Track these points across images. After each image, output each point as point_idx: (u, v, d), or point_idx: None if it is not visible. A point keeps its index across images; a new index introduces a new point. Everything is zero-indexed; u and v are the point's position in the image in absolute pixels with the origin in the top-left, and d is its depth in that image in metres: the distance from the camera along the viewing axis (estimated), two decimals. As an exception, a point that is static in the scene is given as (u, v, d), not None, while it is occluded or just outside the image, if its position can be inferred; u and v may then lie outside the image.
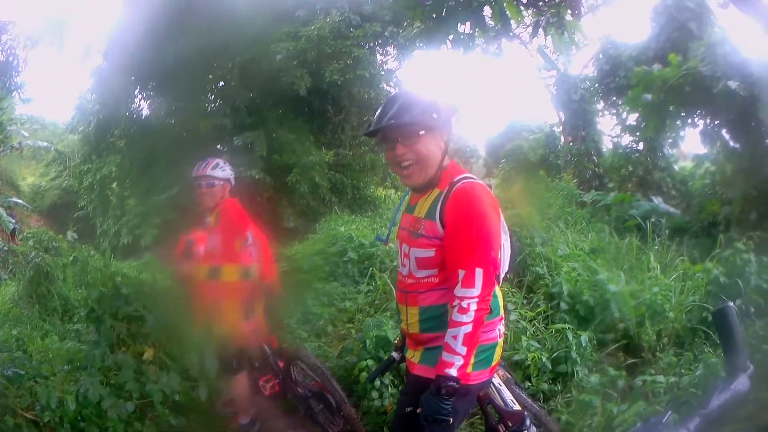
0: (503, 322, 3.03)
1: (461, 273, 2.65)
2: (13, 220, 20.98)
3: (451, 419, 2.68)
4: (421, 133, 2.79)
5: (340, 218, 11.74)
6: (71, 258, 10.54)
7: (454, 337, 2.63)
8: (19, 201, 23.23)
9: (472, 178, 2.87)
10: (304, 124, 13.95)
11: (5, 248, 16.26)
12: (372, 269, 7.97)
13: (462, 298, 2.63)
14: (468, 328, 2.61)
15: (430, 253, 2.82)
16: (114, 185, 16.23)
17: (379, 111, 2.87)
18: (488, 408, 3.22)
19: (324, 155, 13.20)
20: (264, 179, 12.26)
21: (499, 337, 2.98)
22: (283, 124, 13.22)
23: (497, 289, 2.96)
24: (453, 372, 2.61)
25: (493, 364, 2.96)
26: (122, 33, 12.27)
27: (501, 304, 3.00)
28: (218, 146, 12.84)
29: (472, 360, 2.76)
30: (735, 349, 1.51)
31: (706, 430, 1.26)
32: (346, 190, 14.61)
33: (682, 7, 15.30)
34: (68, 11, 11.83)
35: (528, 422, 3.05)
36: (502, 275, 3.05)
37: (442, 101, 2.91)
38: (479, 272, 2.65)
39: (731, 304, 1.53)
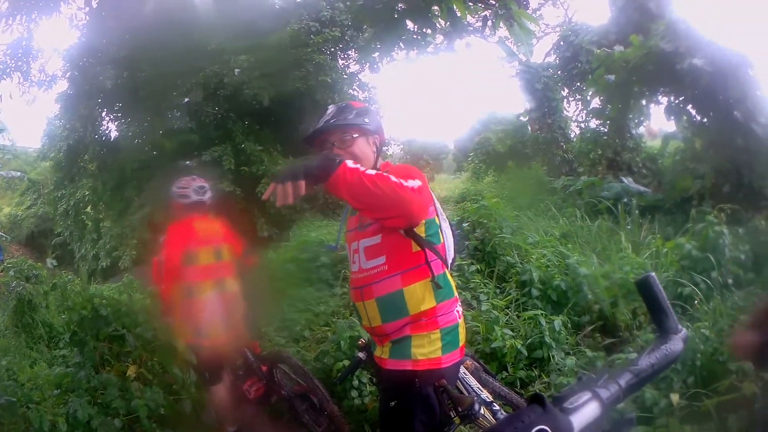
0: (459, 303, 3.08)
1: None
2: (-4, 252, 20.90)
3: None
4: (354, 135, 3.01)
5: (312, 224, 11.78)
6: (51, 285, 10.50)
7: (374, 169, 2.65)
8: (-3, 232, 23.11)
9: None
10: (270, 134, 14.01)
11: (-15, 281, 16.20)
12: (345, 272, 7.96)
13: (402, 180, 2.58)
14: (394, 179, 2.52)
15: (377, 239, 2.92)
16: (88, 209, 16.24)
17: (315, 120, 3.09)
18: (442, 396, 3.28)
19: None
20: (234, 191, 12.29)
21: (459, 318, 3.02)
22: (250, 135, 13.27)
23: (447, 274, 3.04)
24: (348, 161, 2.54)
25: (461, 344, 3.01)
26: (85, 57, 12.34)
27: (453, 285, 3.06)
28: (187, 162, 12.86)
29: (440, 343, 2.88)
30: (663, 313, 1.59)
31: (637, 385, 1.34)
32: (317, 195, 14.32)
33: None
34: (29, 38, 11.80)
35: (477, 406, 3.09)
36: (449, 261, 3.12)
37: (372, 108, 3.18)
38: (416, 177, 2.69)
39: (652, 273, 1.62)
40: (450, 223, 3.21)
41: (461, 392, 3.41)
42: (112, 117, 13.66)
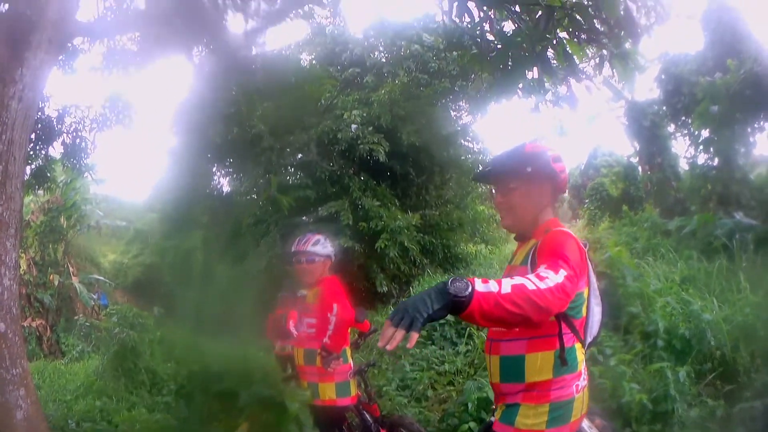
0: (583, 377, 2.89)
1: (543, 265, 2.49)
2: (95, 296, 21.62)
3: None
4: (511, 186, 2.92)
5: (433, 279, 11.70)
6: (157, 335, 10.74)
7: (511, 279, 2.32)
8: (100, 278, 23.87)
9: (565, 228, 2.90)
10: (388, 189, 14.10)
11: (87, 324, 16.75)
12: (469, 329, 7.91)
13: (543, 274, 2.40)
14: (530, 287, 2.28)
15: None
16: (198, 259, 16.60)
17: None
18: None
19: (411, 218, 13.26)
20: (353, 246, 12.42)
21: (577, 393, 2.84)
22: (367, 190, 13.42)
23: (577, 347, 2.86)
24: (477, 285, 2.22)
25: (572, 420, 2.84)
26: (192, 113, 12.70)
27: (579, 360, 2.86)
28: (303, 218, 13.06)
29: (546, 417, 2.76)
30: None
31: None
32: (437, 250, 14.58)
33: (727, 7, 15.01)
34: (132, 91, 12.16)
35: None
36: (589, 339, 2.96)
37: (547, 153, 2.97)
38: (563, 266, 2.48)
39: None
40: (602, 299, 3.04)
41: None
42: (223, 172, 14.03)
